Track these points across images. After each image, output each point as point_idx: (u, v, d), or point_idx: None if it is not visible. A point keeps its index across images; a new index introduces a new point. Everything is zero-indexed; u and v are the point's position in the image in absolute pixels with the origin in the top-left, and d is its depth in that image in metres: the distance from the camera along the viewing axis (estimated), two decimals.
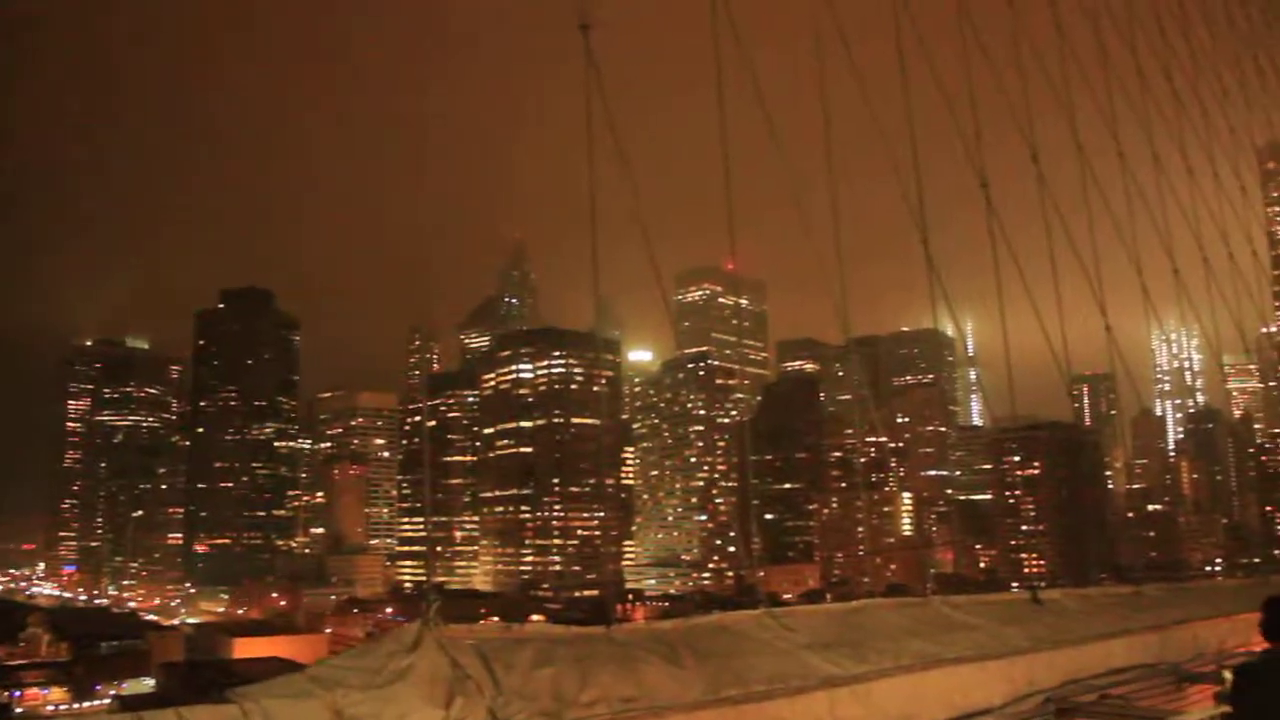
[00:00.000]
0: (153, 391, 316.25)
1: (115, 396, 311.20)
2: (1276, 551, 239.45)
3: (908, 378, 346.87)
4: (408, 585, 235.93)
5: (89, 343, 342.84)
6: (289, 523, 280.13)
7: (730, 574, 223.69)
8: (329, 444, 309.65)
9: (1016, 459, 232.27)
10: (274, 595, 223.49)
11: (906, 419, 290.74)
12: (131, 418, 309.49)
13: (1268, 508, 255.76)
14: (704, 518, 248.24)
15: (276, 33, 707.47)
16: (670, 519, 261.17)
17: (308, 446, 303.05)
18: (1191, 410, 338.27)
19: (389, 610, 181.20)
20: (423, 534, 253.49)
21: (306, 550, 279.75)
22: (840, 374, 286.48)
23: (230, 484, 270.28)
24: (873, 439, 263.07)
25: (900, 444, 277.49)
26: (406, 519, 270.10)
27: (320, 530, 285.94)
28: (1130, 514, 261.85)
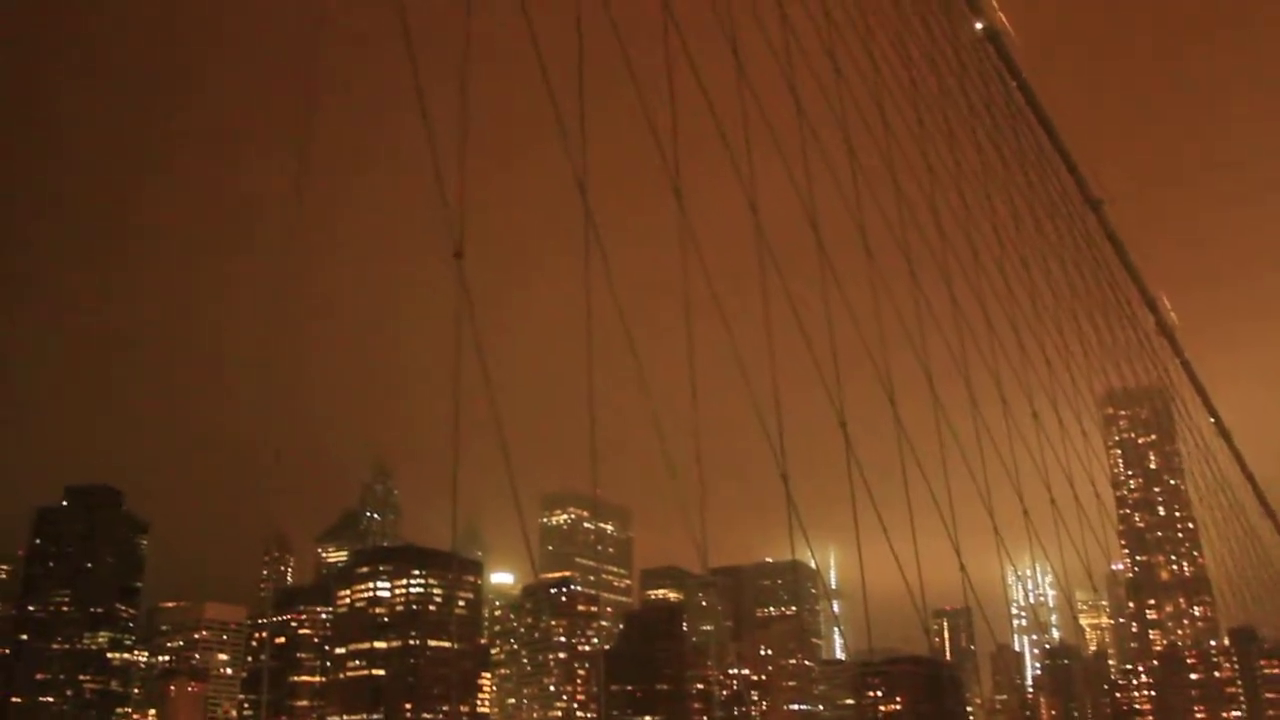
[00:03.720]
0: None
1: None
2: None
3: (770, 609, 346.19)
4: None
5: None
6: None
7: None
8: (168, 657, 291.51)
9: (879, 694, 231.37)
10: None
11: (769, 651, 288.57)
12: None
13: None
14: None
15: (133, 222, 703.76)
16: None
17: (144, 659, 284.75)
18: (1048, 646, 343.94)
19: None
20: None
21: None
22: (703, 604, 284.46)
23: (51, 698, 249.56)
24: (734, 671, 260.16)
25: (762, 677, 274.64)
26: None
27: None
28: None
